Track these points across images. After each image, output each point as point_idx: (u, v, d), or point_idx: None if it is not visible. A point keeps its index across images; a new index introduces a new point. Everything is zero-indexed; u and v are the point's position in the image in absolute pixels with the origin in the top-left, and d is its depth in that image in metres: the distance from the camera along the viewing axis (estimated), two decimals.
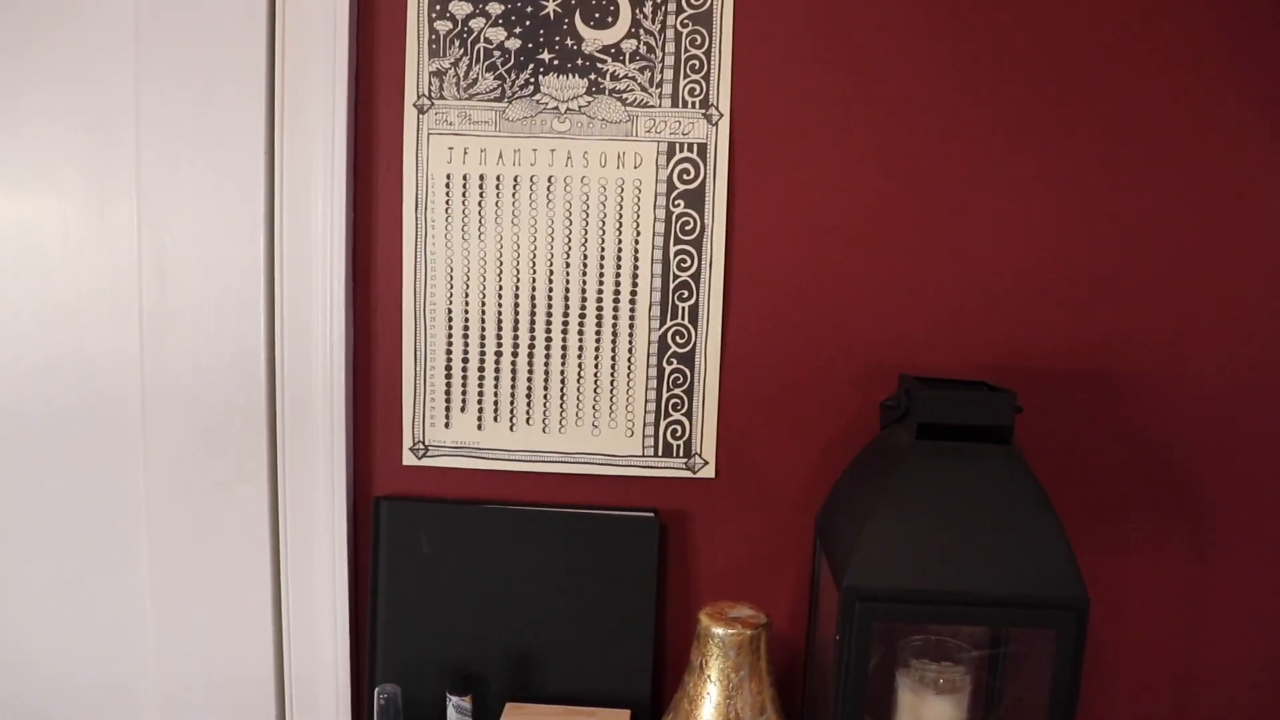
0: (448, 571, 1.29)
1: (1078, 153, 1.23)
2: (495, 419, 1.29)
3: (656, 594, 1.29)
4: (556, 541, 1.28)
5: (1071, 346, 1.26)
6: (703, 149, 1.24)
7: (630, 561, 1.28)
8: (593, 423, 1.29)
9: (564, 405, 1.28)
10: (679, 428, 1.28)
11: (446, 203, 1.25)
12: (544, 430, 1.29)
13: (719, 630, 1.13)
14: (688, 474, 1.29)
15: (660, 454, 1.29)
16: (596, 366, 1.27)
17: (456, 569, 1.28)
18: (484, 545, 1.28)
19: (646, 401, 1.28)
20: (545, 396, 1.28)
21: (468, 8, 1.22)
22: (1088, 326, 1.26)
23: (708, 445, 1.29)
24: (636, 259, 1.25)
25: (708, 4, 1.22)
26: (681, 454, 1.29)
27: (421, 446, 1.30)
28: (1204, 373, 1.26)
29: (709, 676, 1.15)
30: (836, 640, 1.07)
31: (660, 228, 1.25)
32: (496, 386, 1.28)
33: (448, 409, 1.29)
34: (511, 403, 1.28)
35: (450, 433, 1.29)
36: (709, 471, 1.29)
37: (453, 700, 1.20)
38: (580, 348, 1.27)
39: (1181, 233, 1.24)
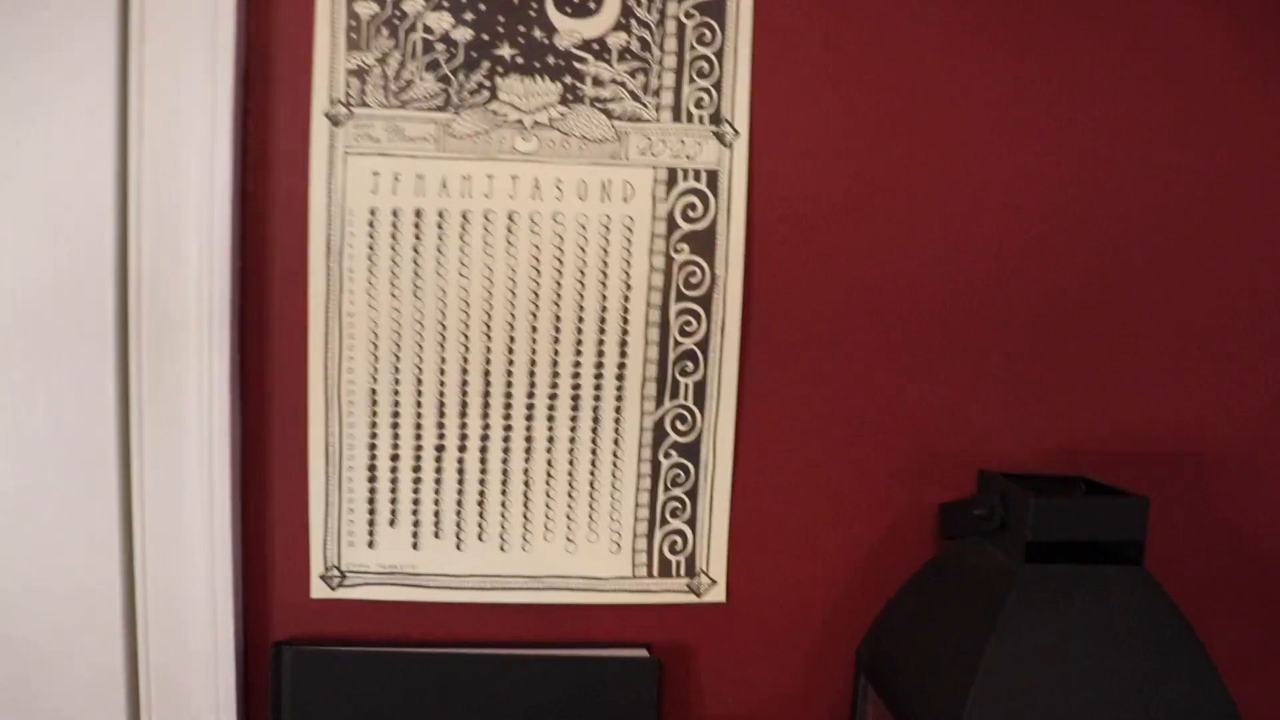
0: None
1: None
2: (437, 534, 0.96)
3: None
4: (522, 694, 0.96)
5: (1156, 422, 1.01)
6: (714, 177, 0.94)
7: (620, 714, 0.97)
8: (567, 536, 0.97)
9: (529, 514, 0.97)
10: (679, 539, 0.98)
11: (370, 247, 0.93)
12: (502, 548, 0.97)
13: None
14: (691, 597, 0.99)
15: (656, 573, 0.99)
16: (572, 463, 0.96)
17: None
18: (426, 703, 0.95)
19: (638, 507, 0.97)
20: (504, 504, 0.96)
21: None
22: (1179, 400, 1.01)
23: (716, 561, 0.99)
24: (626, 321, 0.95)
25: None
26: (683, 573, 0.99)
27: (336, 573, 0.96)
28: None
29: None
30: None
31: (658, 280, 0.95)
32: (438, 492, 0.96)
33: (372, 523, 0.96)
34: (458, 513, 0.96)
35: (375, 554, 0.96)
36: (717, 594, 1.00)
37: None
38: (550, 439, 0.96)
39: None
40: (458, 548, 0.96)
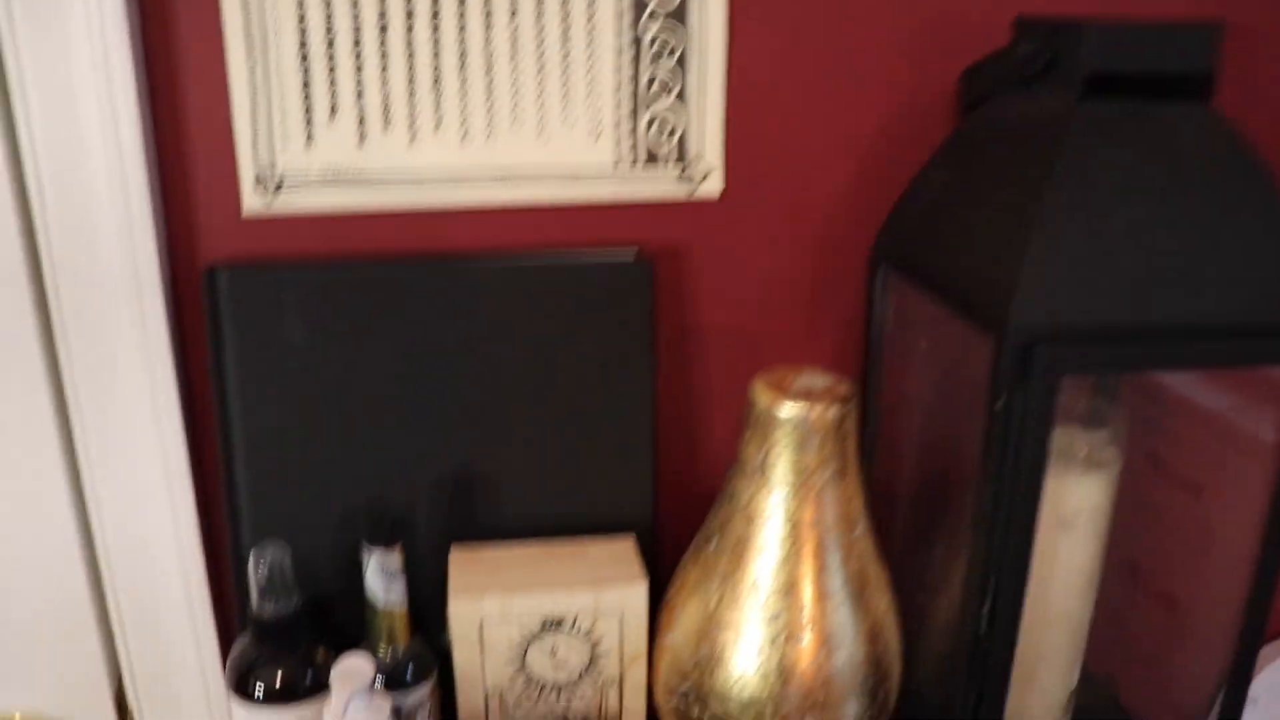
0: (333, 372, 0.84)
1: None
2: (386, 126, 0.82)
3: (650, 370, 0.88)
4: (496, 307, 0.85)
5: None
6: None
7: (608, 329, 0.86)
8: (538, 121, 0.84)
9: (492, 96, 0.82)
10: (668, 123, 0.85)
11: None
12: (463, 137, 0.83)
13: (791, 409, 0.74)
14: (683, 190, 0.87)
15: (642, 163, 0.86)
16: (541, 30, 0.81)
17: (346, 367, 0.84)
18: (387, 323, 0.84)
19: (620, 84, 0.84)
20: (463, 84, 0.82)
21: None
22: None
23: (710, 148, 0.86)
24: None
25: None
26: (673, 161, 0.86)
27: (270, 177, 0.82)
28: None
29: (773, 479, 0.76)
30: (995, 409, 0.70)
31: None
32: (385, 74, 0.81)
33: (309, 118, 0.81)
34: (410, 98, 0.81)
35: (315, 154, 0.82)
36: (712, 186, 0.88)
37: (374, 555, 0.78)
38: (513, 9, 0.81)
39: None
40: (411, 140, 0.82)
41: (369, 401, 0.84)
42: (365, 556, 0.78)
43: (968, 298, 0.74)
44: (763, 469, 0.77)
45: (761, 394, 0.76)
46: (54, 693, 0.89)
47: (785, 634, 0.78)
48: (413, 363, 0.84)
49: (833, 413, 0.74)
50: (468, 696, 0.83)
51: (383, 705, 0.73)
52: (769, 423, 0.75)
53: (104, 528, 0.84)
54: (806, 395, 0.75)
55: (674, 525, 0.93)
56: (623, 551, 0.86)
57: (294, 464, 0.85)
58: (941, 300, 0.79)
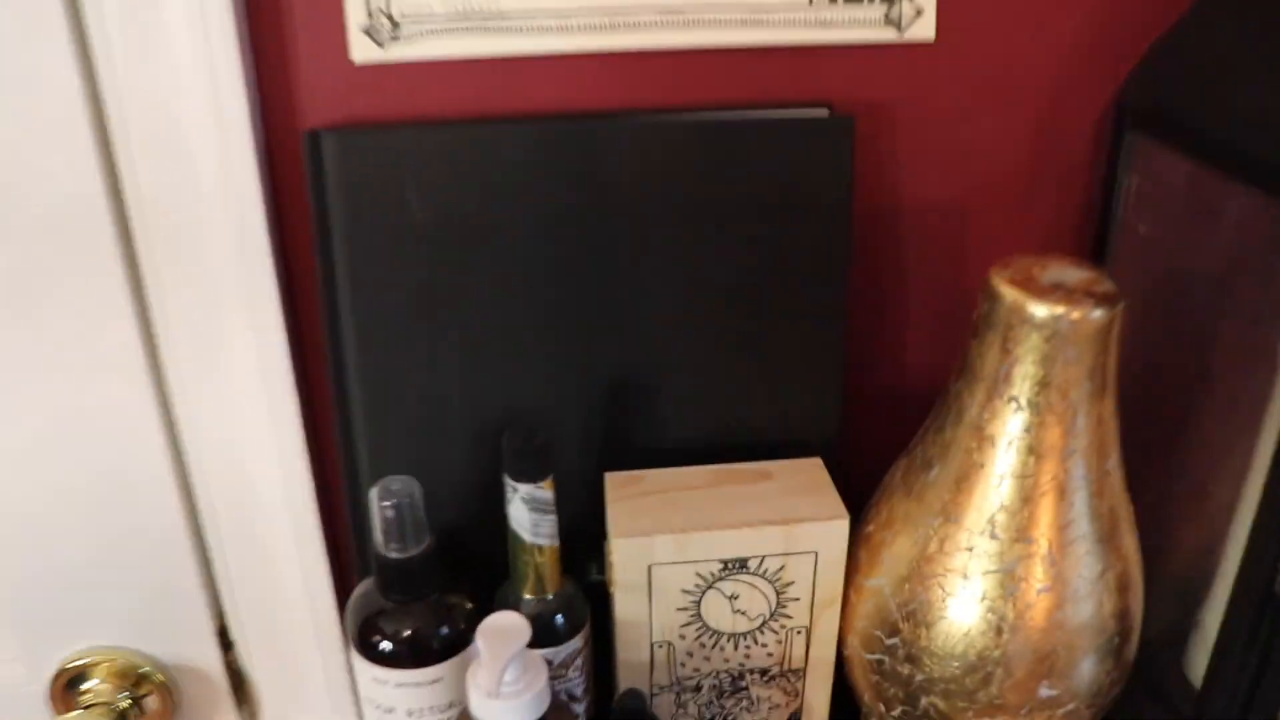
0: (462, 258, 0.69)
1: None
2: None
3: (846, 251, 0.72)
4: (657, 178, 0.68)
5: None
6: None
7: (796, 200, 0.70)
8: None
9: None
10: None
11: None
12: None
13: (1047, 311, 0.58)
14: (889, 34, 0.70)
15: None
16: None
17: (478, 251, 0.69)
18: (524, 200, 0.68)
19: None
20: None
21: None
22: None
23: None
24: None
25: None
26: None
27: (386, 23, 0.66)
28: None
29: (1017, 396, 0.61)
30: None
31: None
32: None
33: None
34: None
35: None
36: (924, 29, 0.70)
37: (520, 491, 0.64)
38: None
39: None
40: None
41: (505, 295, 0.69)
42: (509, 489, 0.64)
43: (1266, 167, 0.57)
44: (1003, 383, 0.61)
45: (1006, 290, 0.60)
46: (152, 631, 0.78)
47: (1021, 583, 0.63)
48: (559, 246, 0.69)
49: (1097, 317, 0.58)
50: (630, 649, 0.69)
51: (541, 670, 0.60)
52: (1015, 326, 0.60)
53: (200, 454, 0.71)
54: (1062, 293, 0.59)
55: (860, 444, 0.78)
56: (812, 478, 0.71)
57: (416, 373, 0.70)
58: (1221, 173, 0.62)
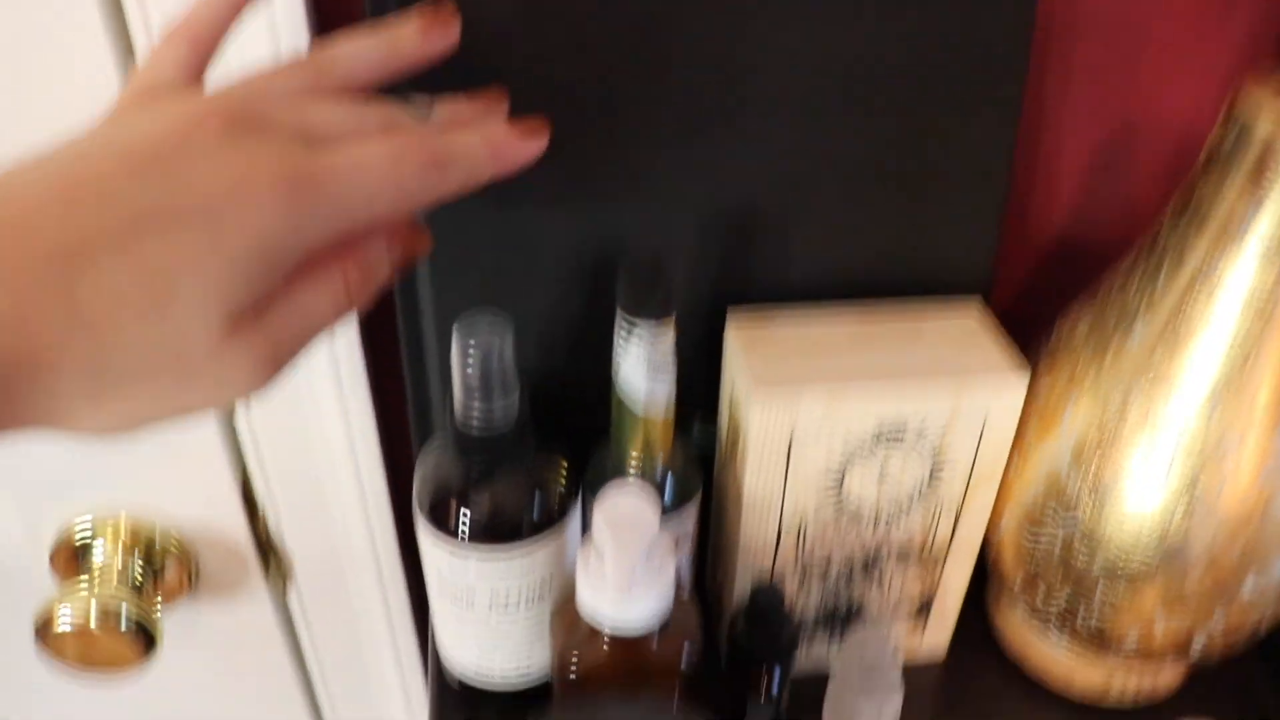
0: (557, 56, 0.53)
1: None
2: None
3: (1022, 66, 0.58)
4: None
5: None
6: None
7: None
8: None
9: None
10: None
11: None
12: None
13: None
14: None
15: None
16: None
17: (575, 48, 0.54)
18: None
19: None
20: None
21: None
22: None
23: None
24: None
25: None
26: None
27: None
28: None
29: (1259, 243, 0.48)
30: None
31: None
32: None
33: None
34: None
35: None
36: None
37: (636, 333, 0.51)
38: None
39: None
40: None
41: (606, 100, 0.55)
42: (620, 335, 0.51)
43: None
44: (1244, 226, 0.49)
45: (1266, 112, 0.47)
46: (172, 490, 0.66)
47: (1234, 460, 0.52)
48: (670, 49, 0.54)
49: None
50: (756, 528, 0.58)
51: (669, 558, 0.48)
52: (1273, 156, 0.47)
53: None
54: None
55: (1010, 288, 0.66)
56: (971, 325, 0.59)
57: (499, 192, 0.56)
58: None
